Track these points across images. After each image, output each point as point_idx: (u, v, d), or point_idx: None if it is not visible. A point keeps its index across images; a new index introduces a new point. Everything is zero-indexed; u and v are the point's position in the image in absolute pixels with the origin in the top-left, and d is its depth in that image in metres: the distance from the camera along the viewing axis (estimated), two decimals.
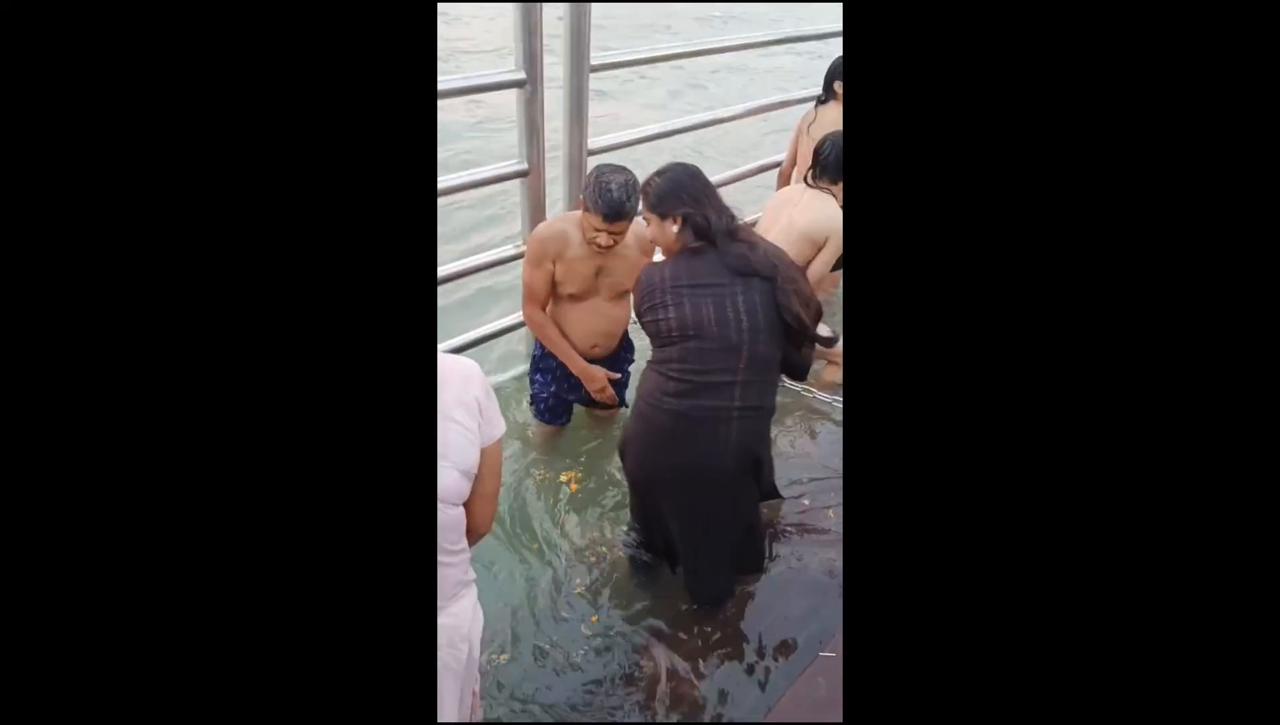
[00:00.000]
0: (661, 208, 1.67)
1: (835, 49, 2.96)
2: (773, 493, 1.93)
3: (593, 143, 2.31)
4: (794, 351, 1.68)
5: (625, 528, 2.08)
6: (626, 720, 1.72)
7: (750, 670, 1.85)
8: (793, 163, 3.07)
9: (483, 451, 1.09)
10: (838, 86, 2.79)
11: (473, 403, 1.06)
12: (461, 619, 1.15)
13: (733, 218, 1.67)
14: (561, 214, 2.22)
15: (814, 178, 2.37)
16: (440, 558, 1.08)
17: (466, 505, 1.11)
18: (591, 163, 2.24)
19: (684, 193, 1.65)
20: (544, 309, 2.12)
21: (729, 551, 1.83)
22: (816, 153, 2.36)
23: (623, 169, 1.88)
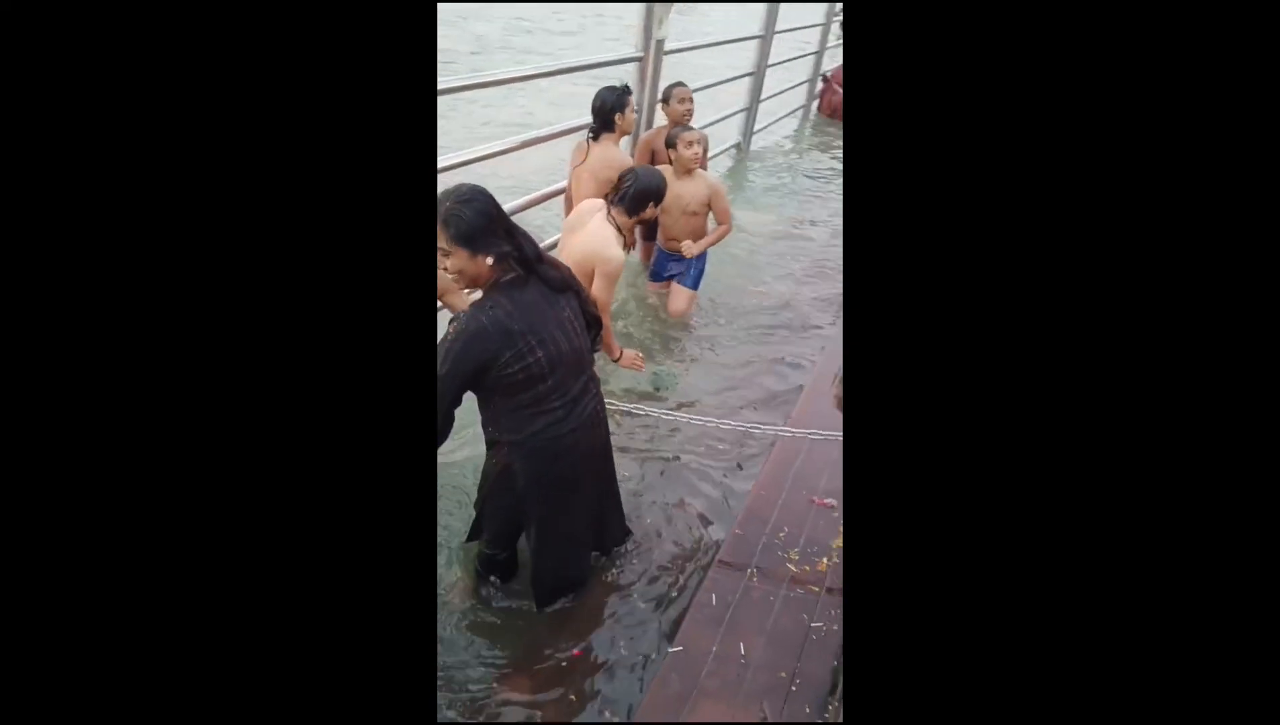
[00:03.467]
0: (475, 243, 1.52)
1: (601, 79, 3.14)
2: None
3: None
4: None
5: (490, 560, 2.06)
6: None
7: (609, 677, 1.86)
8: (570, 203, 3.16)
9: None
10: (618, 119, 2.94)
11: None
12: None
13: (530, 239, 1.64)
14: None
15: (612, 203, 2.47)
16: None
17: None
18: None
19: (496, 225, 1.54)
20: None
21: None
22: (620, 180, 2.48)
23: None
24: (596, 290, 2.39)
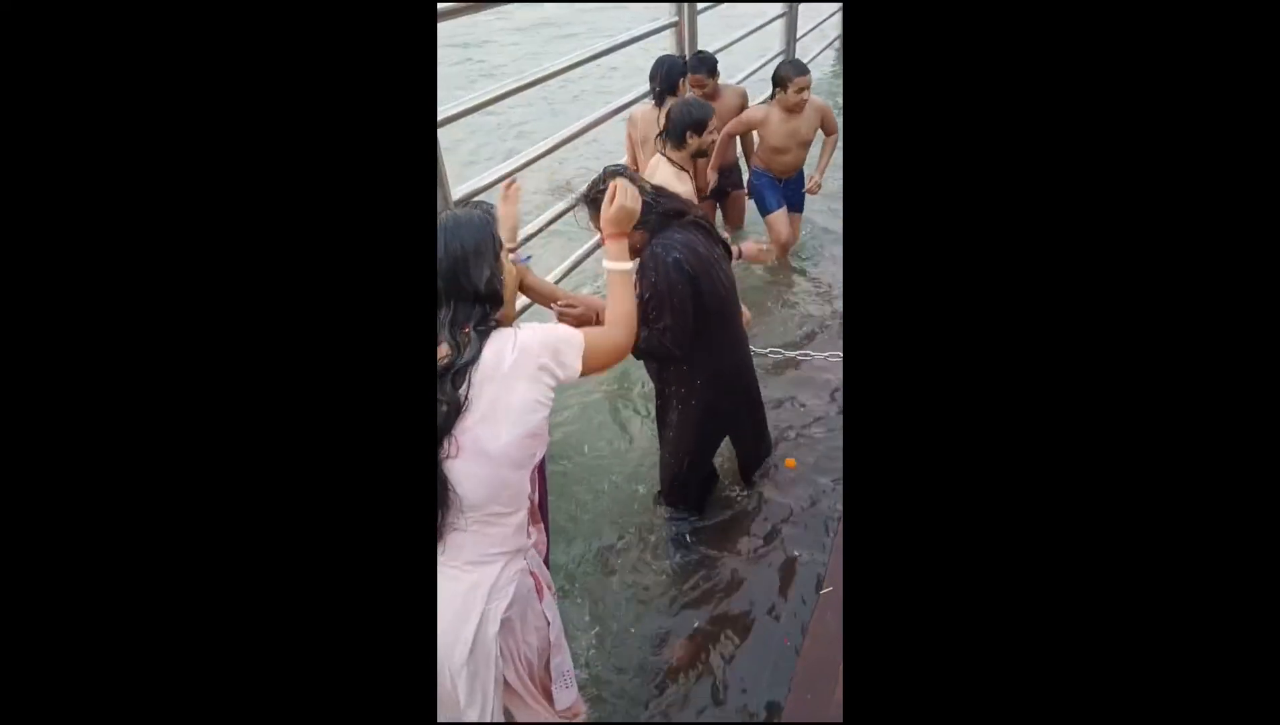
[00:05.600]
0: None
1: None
2: None
3: (456, 192, 2.33)
4: None
5: (675, 514, 2.25)
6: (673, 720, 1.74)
7: (766, 627, 1.92)
8: (635, 162, 3.24)
9: (586, 358, 1.22)
10: (682, 83, 2.98)
11: (534, 371, 1.15)
12: (483, 579, 1.20)
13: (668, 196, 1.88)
14: None
15: (665, 146, 2.62)
16: (475, 518, 1.17)
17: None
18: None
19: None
20: None
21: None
22: (667, 118, 2.60)
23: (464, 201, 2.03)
24: None
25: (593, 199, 1.76)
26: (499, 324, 1.19)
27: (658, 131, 3.04)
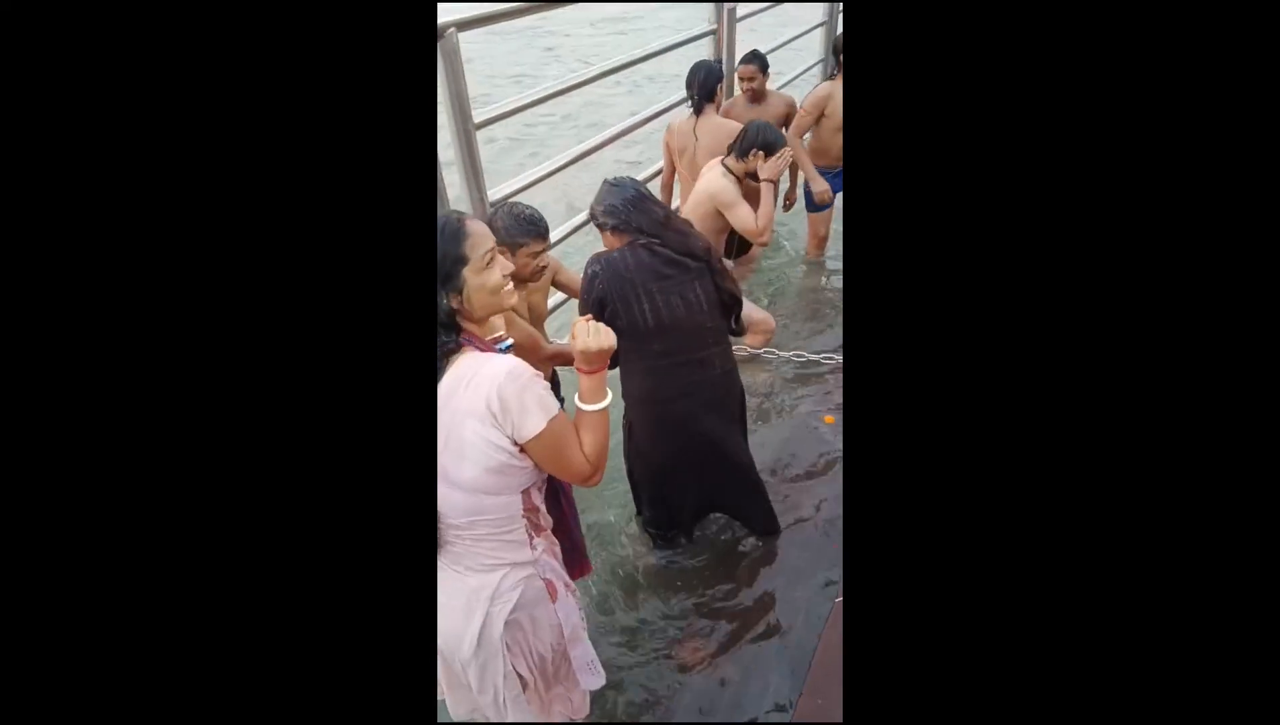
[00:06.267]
0: (599, 221, 1.91)
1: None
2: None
3: (492, 194, 2.39)
4: (730, 320, 2.03)
5: (640, 517, 2.25)
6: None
7: (777, 630, 1.95)
8: (672, 171, 3.27)
9: (526, 446, 1.12)
10: (720, 89, 3.01)
11: (484, 411, 1.07)
12: (485, 583, 1.20)
13: (664, 209, 1.93)
14: None
15: (728, 153, 2.65)
16: (464, 536, 1.18)
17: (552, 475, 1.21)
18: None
19: (611, 204, 1.88)
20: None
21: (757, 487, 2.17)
22: (743, 131, 2.62)
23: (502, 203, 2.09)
24: (738, 223, 2.57)
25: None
26: (462, 346, 1.12)
27: (695, 140, 3.07)
